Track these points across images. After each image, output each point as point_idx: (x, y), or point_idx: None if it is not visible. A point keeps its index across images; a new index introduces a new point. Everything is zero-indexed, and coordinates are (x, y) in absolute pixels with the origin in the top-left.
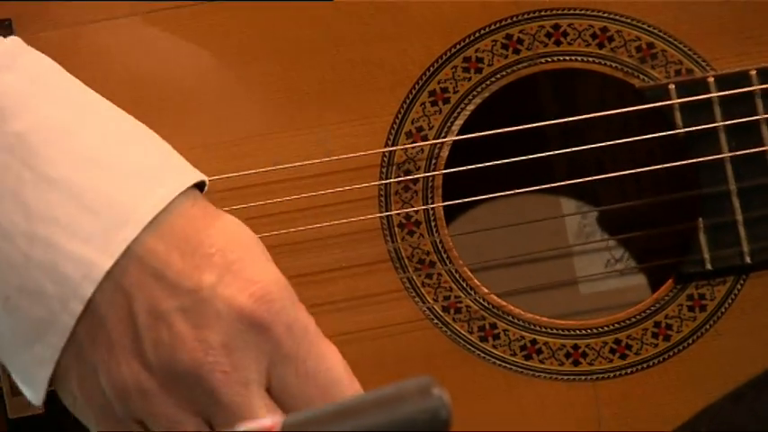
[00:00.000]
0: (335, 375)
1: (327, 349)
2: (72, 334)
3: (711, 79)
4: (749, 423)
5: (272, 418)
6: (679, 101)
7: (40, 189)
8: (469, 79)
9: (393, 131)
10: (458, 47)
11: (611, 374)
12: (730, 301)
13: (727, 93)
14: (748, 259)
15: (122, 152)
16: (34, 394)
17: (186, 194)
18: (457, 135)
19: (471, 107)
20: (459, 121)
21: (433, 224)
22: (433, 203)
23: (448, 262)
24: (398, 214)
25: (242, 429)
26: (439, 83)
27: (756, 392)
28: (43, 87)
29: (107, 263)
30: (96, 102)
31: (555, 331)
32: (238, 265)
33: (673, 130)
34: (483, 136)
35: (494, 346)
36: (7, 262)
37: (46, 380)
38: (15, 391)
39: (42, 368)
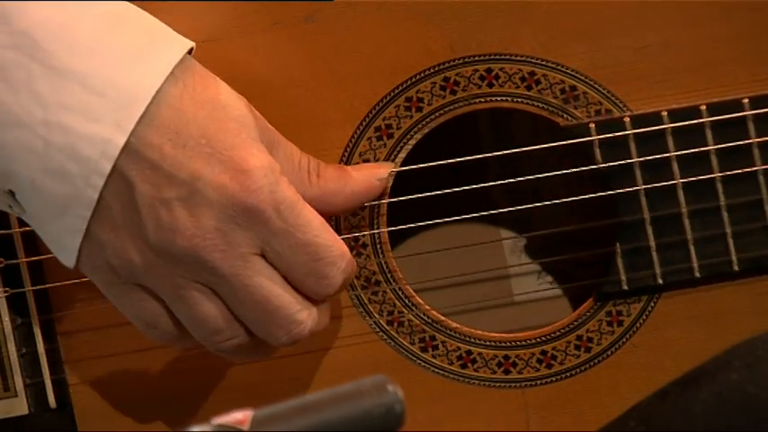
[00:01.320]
0: (320, 240)
1: (312, 218)
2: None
3: (627, 119)
4: (674, 417)
5: (243, 413)
6: (599, 137)
7: (50, 80)
8: (411, 117)
9: (343, 162)
10: (400, 88)
11: (539, 382)
12: (644, 317)
13: (641, 130)
14: (660, 280)
15: (116, 37)
16: (68, 259)
17: (175, 76)
18: (400, 167)
19: (413, 142)
20: (402, 154)
21: (378, 247)
22: (378, 229)
23: (392, 281)
24: (348, 238)
25: (216, 422)
26: (384, 120)
27: (680, 390)
28: None
29: (121, 139)
30: None
31: (488, 343)
32: (227, 153)
33: (593, 164)
34: (423, 168)
35: (433, 356)
36: (29, 148)
37: (77, 246)
38: (3, 393)
39: (74, 236)
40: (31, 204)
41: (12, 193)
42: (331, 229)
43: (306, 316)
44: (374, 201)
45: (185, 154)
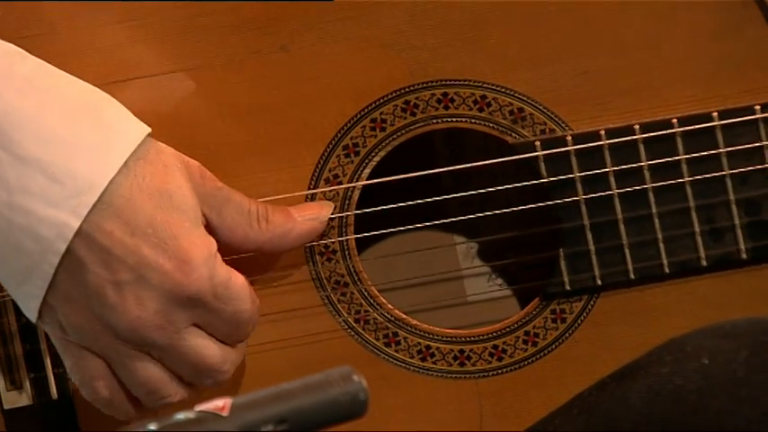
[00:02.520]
0: (244, 307)
1: (239, 289)
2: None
3: (569, 137)
4: (611, 406)
5: (222, 400)
6: (543, 153)
7: (15, 167)
8: (375, 136)
9: (314, 178)
10: (366, 110)
11: (491, 373)
12: (585, 314)
13: (581, 146)
14: (599, 281)
15: (76, 128)
16: (31, 316)
17: (128, 167)
18: (366, 180)
19: (377, 159)
20: (368, 170)
21: (346, 252)
22: (346, 236)
23: (359, 283)
24: (318, 244)
25: (197, 409)
26: (351, 139)
27: (618, 381)
28: (8, 80)
29: (75, 223)
30: (52, 80)
31: (445, 338)
32: (171, 243)
33: (539, 177)
34: (387, 181)
35: (396, 351)
36: None
37: (36, 308)
38: (10, 387)
39: (34, 301)
40: (0, 271)
41: None
42: (250, 289)
43: (229, 365)
44: (343, 213)
45: (133, 242)
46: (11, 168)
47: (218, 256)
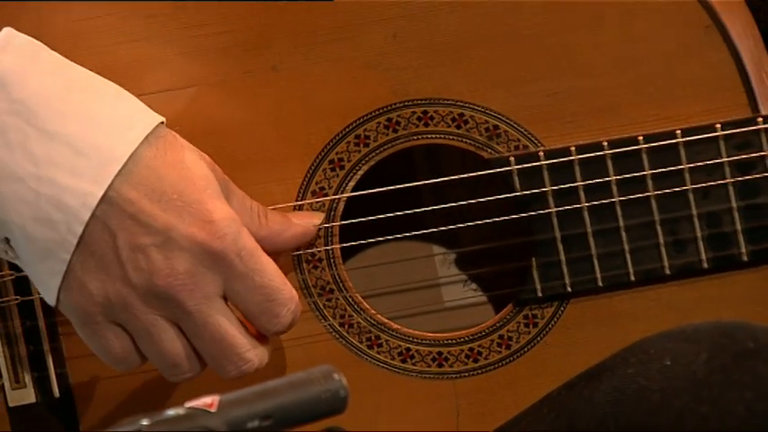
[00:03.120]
0: (274, 284)
1: (267, 264)
2: (74, 251)
3: (542, 153)
4: (579, 405)
5: (211, 397)
6: (517, 167)
7: (43, 142)
8: (359, 151)
9: (302, 190)
10: (350, 127)
11: (467, 374)
12: (556, 319)
13: (553, 161)
14: (569, 289)
15: (99, 108)
16: (50, 299)
17: (149, 142)
18: (350, 193)
19: (361, 172)
20: (352, 183)
21: (332, 261)
22: (332, 245)
23: (344, 289)
24: (305, 253)
25: (187, 406)
26: (336, 154)
27: (585, 382)
28: (36, 63)
29: (99, 192)
30: (76, 70)
31: (424, 341)
32: (195, 207)
33: (513, 191)
34: (370, 194)
35: (378, 353)
36: (22, 199)
37: (57, 287)
38: (15, 386)
39: (54, 278)
40: (22, 250)
41: (7, 241)
42: (283, 276)
43: (254, 355)
44: (329, 223)
45: (160, 207)
46: (38, 143)
47: (245, 229)
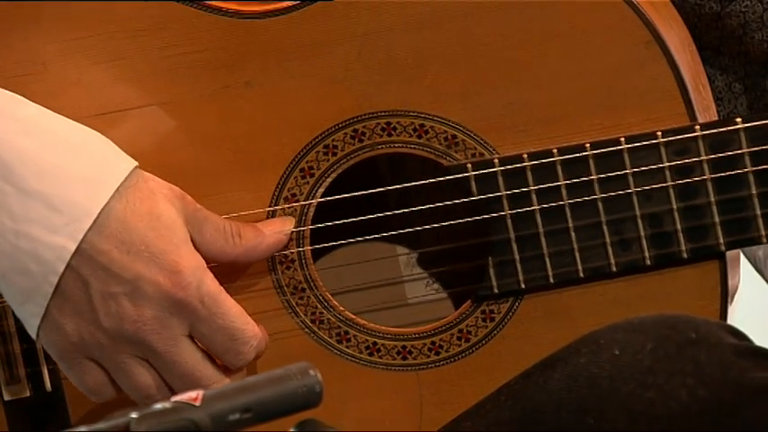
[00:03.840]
0: (236, 325)
1: (230, 307)
2: (51, 298)
3: (497, 160)
4: (535, 393)
5: (195, 392)
6: (474, 173)
7: (20, 199)
8: (328, 160)
9: (275, 196)
10: (319, 137)
11: (430, 366)
12: (511, 314)
13: (507, 168)
14: (523, 285)
15: (73, 163)
16: (31, 333)
17: (120, 193)
18: (320, 198)
19: (330, 179)
20: (322, 189)
21: (303, 261)
22: (303, 247)
23: (315, 288)
24: (279, 254)
25: (173, 400)
26: (306, 162)
27: (540, 371)
28: (13, 123)
29: (72, 246)
30: (52, 124)
31: (389, 336)
32: (161, 257)
33: (470, 195)
34: (338, 199)
35: (346, 347)
36: (1, 251)
37: (36, 326)
38: (9, 381)
39: (34, 318)
40: (4, 293)
41: None
42: (245, 314)
43: (219, 382)
44: (300, 227)
45: (129, 258)
46: (15, 200)
47: (208, 271)
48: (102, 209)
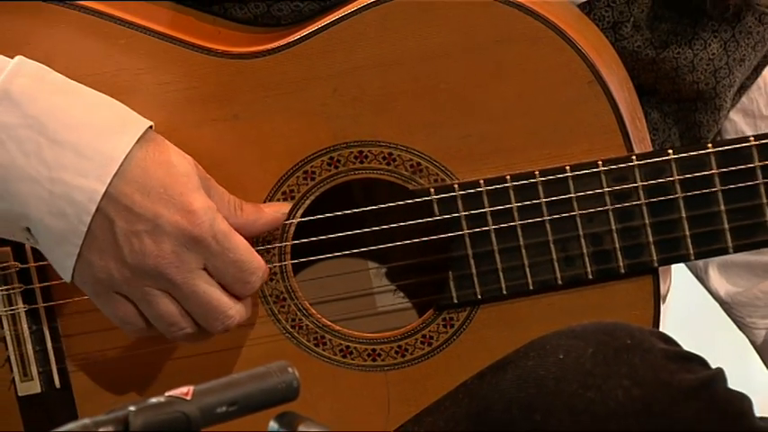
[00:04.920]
0: (245, 258)
1: (239, 242)
2: (84, 237)
3: (456, 185)
4: (488, 392)
5: (186, 387)
6: (436, 197)
7: (53, 149)
8: (307, 185)
9: None
10: (299, 164)
11: (396, 367)
12: (469, 321)
13: (465, 192)
14: (479, 296)
15: (98, 117)
16: (66, 276)
17: (140, 144)
18: (300, 218)
19: (308, 202)
20: (301, 210)
21: (285, 274)
22: (284, 261)
23: (295, 298)
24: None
25: (167, 395)
26: (288, 186)
27: (494, 372)
28: (44, 84)
29: (102, 188)
30: (76, 87)
31: (360, 340)
32: (178, 198)
33: (433, 216)
34: (316, 219)
35: (323, 350)
36: (38, 196)
37: (72, 266)
38: (23, 379)
39: (69, 259)
40: (41, 237)
41: (28, 230)
42: (252, 249)
43: (235, 312)
44: (282, 243)
45: (149, 200)
46: (49, 150)
47: (220, 215)
48: (126, 156)
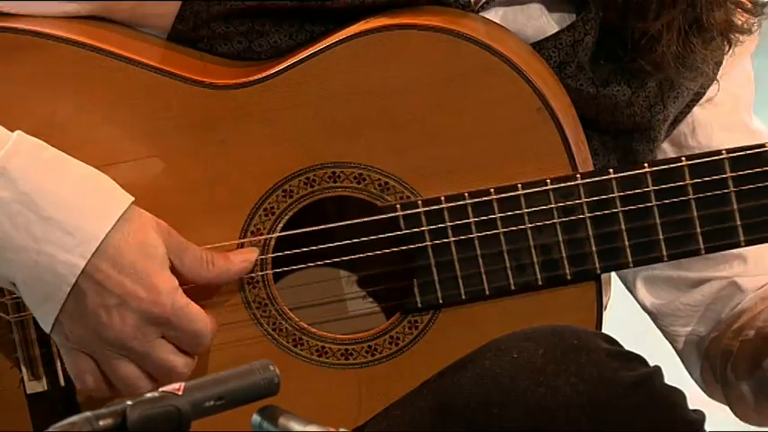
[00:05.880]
0: (199, 327)
1: (195, 313)
2: (62, 303)
3: (420, 202)
4: (449, 388)
5: (178, 384)
6: (402, 213)
7: (41, 225)
8: (286, 202)
9: (243, 230)
10: (278, 184)
11: (367, 365)
12: (431, 324)
13: (428, 208)
14: (441, 301)
15: (82, 197)
16: (46, 329)
17: (119, 225)
18: (279, 233)
19: (287, 218)
20: (281, 225)
21: (266, 282)
22: (266, 271)
23: (275, 304)
24: (246, 276)
25: (161, 390)
26: (268, 203)
27: (454, 371)
28: (38, 162)
29: (82, 264)
30: (67, 164)
31: (334, 341)
32: (146, 279)
33: (399, 230)
34: (294, 233)
35: (300, 350)
36: (25, 264)
37: (51, 323)
38: (31, 378)
39: (49, 317)
40: (25, 296)
41: (14, 284)
42: (205, 314)
43: (187, 369)
44: (264, 255)
45: (120, 278)
46: (37, 225)
47: (180, 289)
48: (105, 236)
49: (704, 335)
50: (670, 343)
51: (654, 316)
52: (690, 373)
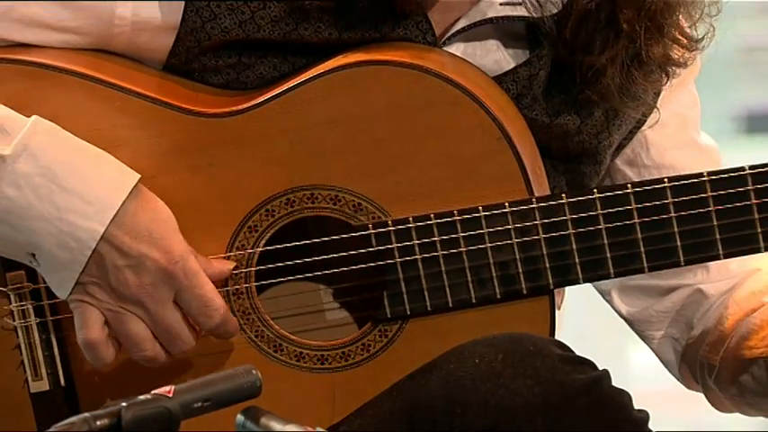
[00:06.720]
0: (209, 296)
1: (206, 282)
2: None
3: (390, 222)
4: (417, 390)
5: (169, 387)
6: (374, 231)
7: (62, 195)
8: (268, 220)
9: (230, 245)
10: (261, 203)
11: (341, 369)
12: (400, 332)
13: (398, 227)
14: (408, 312)
15: (98, 170)
16: (62, 294)
17: (133, 195)
18: (262, 248)
19: (269, 234)
20: (263, 241)
21: (250, 294)
22: (249, 283)
23: (258, 313)
24: (231, 288)
25: (152, 393)
26: (252, 222)
27: (422, 375)
28: (56, 140)
29: (101, 230)
30: (81, 144)
31: (312, 347)
32: (160, 242)
33: (371, 246)
34: (276, 248)
35: (280, 355)
36: (49, 232)
37: (70, 288)
38: (34, 378)
39: (69, 282)
40: (46, 262)
41: (33, 255)
42: (216, 291)
43: (192, 340)
44: (247, 268)
45: (136, 241)
46: (59, 196)
47: (192, 255)
48: (121, 204)
49: (677, 337)
50: (646, 344)
51: (629, 322)
52: (668, 370)
